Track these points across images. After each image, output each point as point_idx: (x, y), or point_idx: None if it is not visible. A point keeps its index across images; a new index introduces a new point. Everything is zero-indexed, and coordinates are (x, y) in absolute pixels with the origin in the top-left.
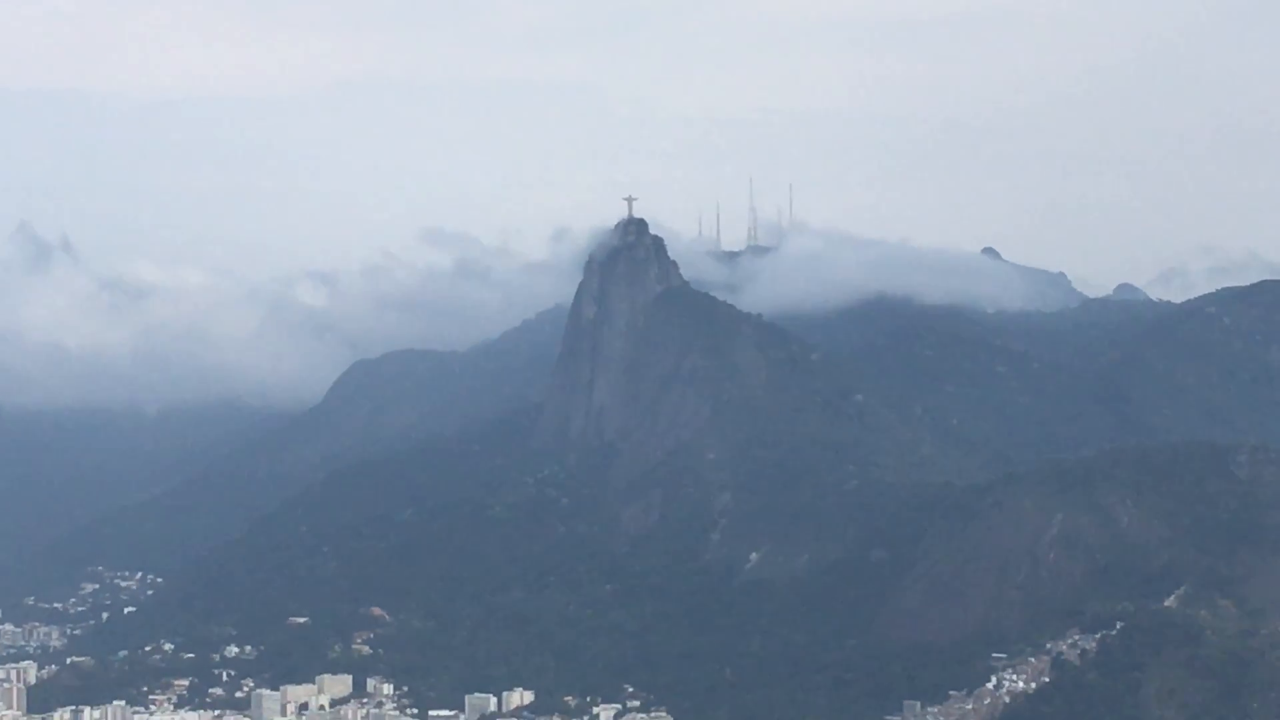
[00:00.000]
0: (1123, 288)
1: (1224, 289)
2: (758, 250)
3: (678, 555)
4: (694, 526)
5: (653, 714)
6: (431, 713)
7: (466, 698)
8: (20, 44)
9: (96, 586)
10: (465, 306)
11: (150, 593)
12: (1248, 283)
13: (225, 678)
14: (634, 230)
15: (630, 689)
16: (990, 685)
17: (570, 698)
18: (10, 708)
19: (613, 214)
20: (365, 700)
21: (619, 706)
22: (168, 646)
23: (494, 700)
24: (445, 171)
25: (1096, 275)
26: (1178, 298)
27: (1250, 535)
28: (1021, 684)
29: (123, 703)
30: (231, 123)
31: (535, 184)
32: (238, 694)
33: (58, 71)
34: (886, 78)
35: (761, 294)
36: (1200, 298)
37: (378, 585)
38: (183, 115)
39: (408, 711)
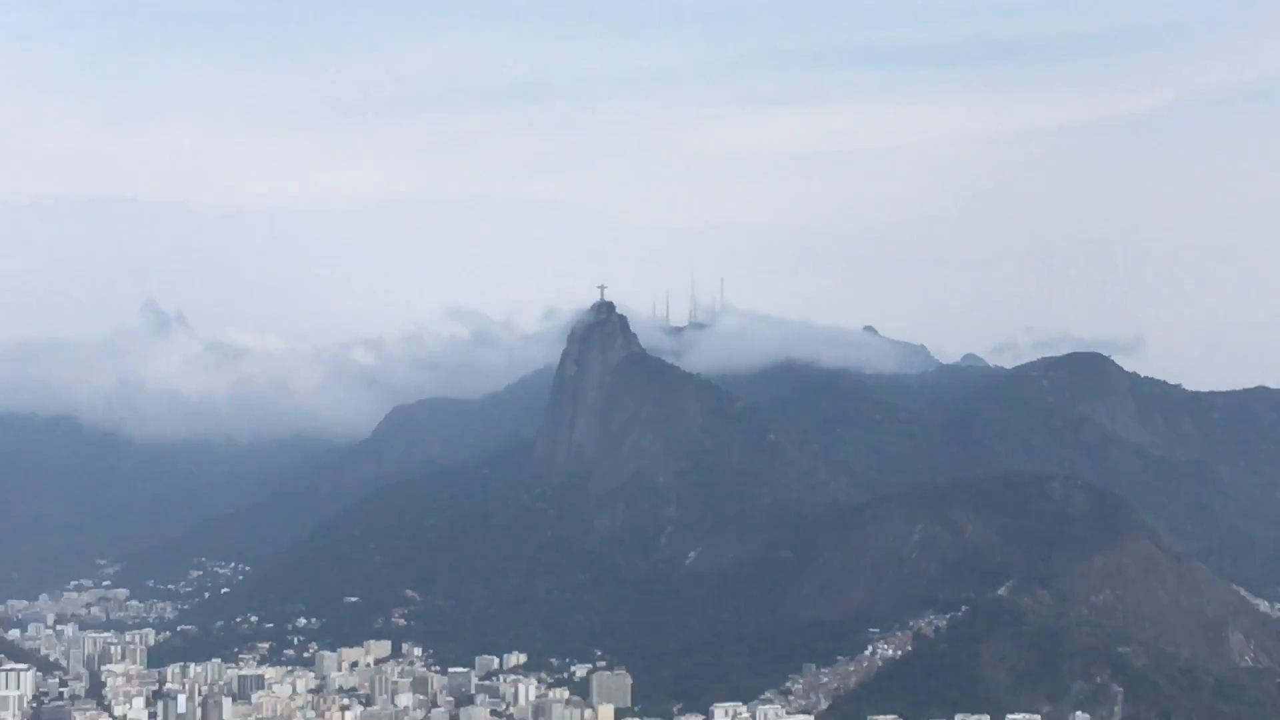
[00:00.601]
0: (968, 356)
1: (1043, 358)
2: (697, 326)
3: (635, 552)
4: (648, 531)
5: (615, 671)
6: (450, 669)
7: (476, 658)
8: (148, 165)
9: (200, 573)
10: (478, 366)
11: (240, 578)
12: (1061, 354)
13: (296, 642)
14: (604, 310)
15: (599, 653)
16: (867, 652)
17: (554, 659)
18: (135, 662)
19: (589, 298)
20: (400, 660)
21: (590, 665)
22: (253, 618)
23: (496, 660)
24: (464, 265)
25: (948, 347)
26: (1009, 364)
27: (1061, 542)
28: (891, 651)
29: (219, 660)
30: (303, 225)
31: (531, 275)
32: (305, 654)
33: (174, 186)
34: (794, 198)
35: (699, 359)
36: (1026, 365)
37: (411, 574)
38: (267, 220)
39: (432, 668)
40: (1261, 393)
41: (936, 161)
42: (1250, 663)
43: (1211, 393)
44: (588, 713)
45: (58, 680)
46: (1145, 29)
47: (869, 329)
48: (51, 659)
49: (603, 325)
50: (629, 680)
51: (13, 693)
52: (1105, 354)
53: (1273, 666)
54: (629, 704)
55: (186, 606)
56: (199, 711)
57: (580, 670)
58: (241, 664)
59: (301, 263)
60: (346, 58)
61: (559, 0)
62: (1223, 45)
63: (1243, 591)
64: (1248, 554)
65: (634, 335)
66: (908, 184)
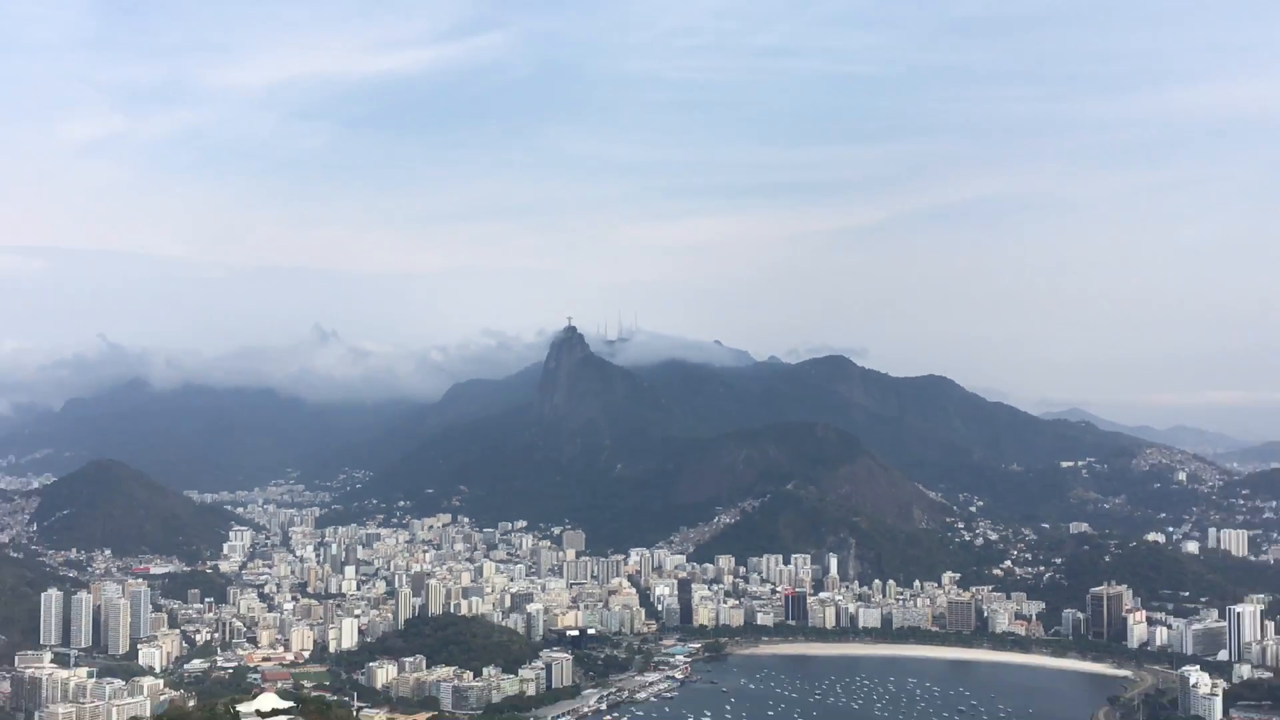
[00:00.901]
0: (772, 356)
1: (812, 358)
2: (623, 340)
3: (588, 467)
4: (597, 452)
5: (575, 530)
6: (484, 529)
7: (499, 523)
8: (312, 244)
9: (345, 476)
10: (501, 363)
11: (367, 479)
12: (822, 355)
13: (397, 515)
14: (571, 331)
15: (567, 520)
16: (715, 521)
17: (542, 524)
18: (308, 525)
19: (563, 324)
20: (456, 524)
21: (562, 526)
22: (373, 501)
23: (510, 524)
24: (493, 304)
25: (761, 351)
26: (794, 361)
27: (821, 461)
28: (728, 520)
29: (354, 524)
30: (408, 282)
31: (530, 311)
32: (403, 521)
33: (334, 260)
34: (675, 268)
35: (624, 359)
36: (804, 361)
37: (463, 478)
38: (391, 279)
39: (474, 529)
40: (936, 379)
41: (754, 247)
42: (925, 526)
43: (906, 378)
44: (560, 553)
45: (264, 535)
46: (879, 176)
47: (717, 341)
48: (260, 523)
49: (570, 339)
50: (583, 535)
51: (239, 542)
52: (846, 355)
53: (936, 529)
54: (584, 548)
55: (336, 495)
56: (344, 553)
57: (556, 529)
58: (367, 526)
59: (402, 303)
60: (431, 187)
61: (543, 152)
62: (925, 181)
63: (920, 486)
64: (924, 467)
65: (587, 345)
66: (738, 260)
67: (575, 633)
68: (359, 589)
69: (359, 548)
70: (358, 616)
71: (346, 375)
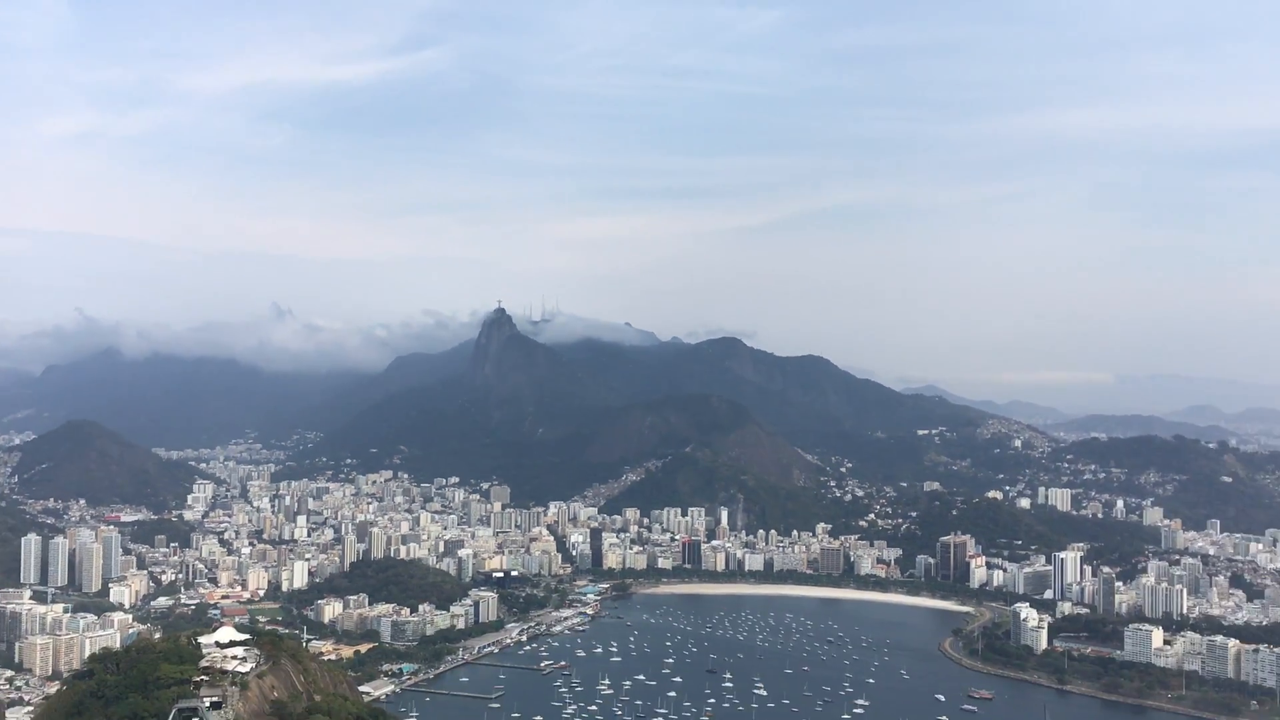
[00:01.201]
0: (675, 337)
1: (709, 339)
2: (545, 321)
3: (513, 431)
4: (521, 418)
5: (501, 485)
6: (421, 484)
7: (434, 479)
8: (276, 233)
9: (298, 436)
10: (439, 339)
11: (318, 439)
12: (718, 336)
13: (344, 471)
14: (501, 312)
15: (494, 477)
16: (622, 478)
17: (472, 479)
18: (264, 480)
19: (493, 305)
20: (397, 479)
21: (490, 482)
22: (323, 459)
23: (444, 480)
24: (434, 287)
25: (665, 332)
26: (694, 341)
27: (716, 426)
28: (634, 478)
29: (306, 480)
30: (356, 268)
31: (466, 294)
32: (349, 477)
33: (294, 247)
34: (592, 260)
35: (546, 337)
36: (702, 341)
37: (403, 439)
38: (342, 265)
39: (412, 484)
40: (814, 358)
41: (660, 242)
42: (802, 484)
43: (789, 357)
44: (488, 506)
45: (224, 488)
46: (768, 183)
47: (627, 323)
48: (221, 478)
49: (499, 320)
50: (508, 490)
51: (202, 494)
52: (738, 337)
53: (812, 487)
54: (509, 501)
55: (290, 454)
56: (296, 504)
57: (485, 485)
58: (317, 481)
59: (351, 285)
60: (378, 184)
61: (477, 156)
62: (807, 188)
63: (799, 450)
64: (803, 434)
65: (515, 325)
66: (646, 253)
67: (500, 575)
68: (309, 536)
69: (309, 500)
70: (308, 560)
71: (300, 348)
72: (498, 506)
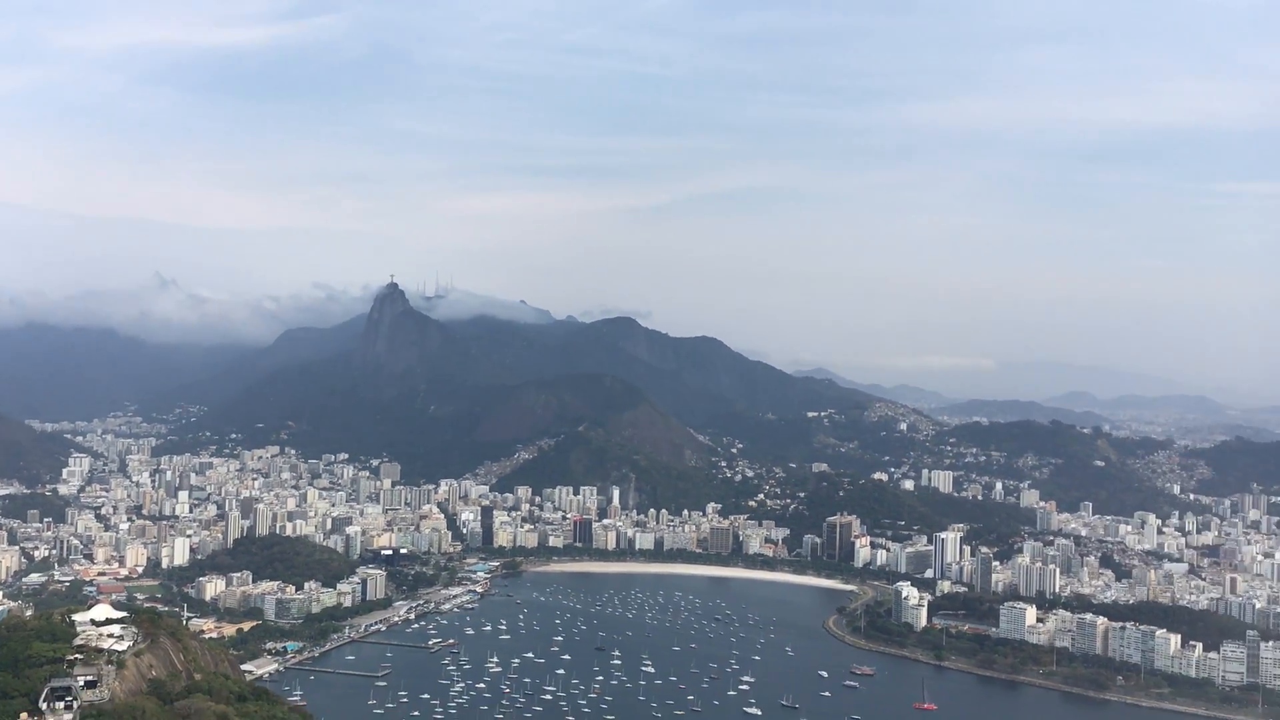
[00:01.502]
0: (569, 316)
1: (604, 319)
2: (439, 297)
3: (405, 407)
4: (413, 395)
5: (391, 462)
6: (309, 460)
7: (322, 455)
8: (166, 200)
9: (180, 410)
10: (329, 313)
11: (202, 413)
12: (613, 316)
13: (228, 446)
14: (393, 287)
15: (385, 454)
16: (514, 456)
17: (362, 456)
18: (144, 454)
19: (385, 280)
20: (284, 455)
21: (380, 459)
22: (207, 433)
23: (333, 456)
24: (324, 259)
25: (560, 310)
26: (588, 320)
27: (609, 405)
28: (527, 456)
29: (188, 454)
30: (246, 238)
31: (359, 267)
32: (234, 452)
33: (181, 215)
34: (489, 237)
35: (439, 313)
36: (597, 320)
37: (291, 414)
38: (230, 235)
39: (300, 460)
40: (708, 339)
41: (556, 221)
42: (694, 464)
43: (683, 338)
44: (377, 483)
45: (102, 462)
46: (665, 164)
47: (522, 301)
48: (99, 451)
49: (392, 295)
50: (399, 467)
51: (78, 468)
52: (633, 317)
53: (703, 467)
54: (399, 479)
55: (172, 428)
56: (178, 479)
57: (375, 462)
58: (200, 456)
59: (238, 256)
60: (267, 152)
61: (371, 128)
62: (705, 170)
63: (691, 431)
64: (695, 414)
65: (407, 300)
66: (543, 232)
67: (389, 552)
68: (191, 512)
69: (192, 475)
70: (189, 536)
71: (184, 320)
72: (388, 484)
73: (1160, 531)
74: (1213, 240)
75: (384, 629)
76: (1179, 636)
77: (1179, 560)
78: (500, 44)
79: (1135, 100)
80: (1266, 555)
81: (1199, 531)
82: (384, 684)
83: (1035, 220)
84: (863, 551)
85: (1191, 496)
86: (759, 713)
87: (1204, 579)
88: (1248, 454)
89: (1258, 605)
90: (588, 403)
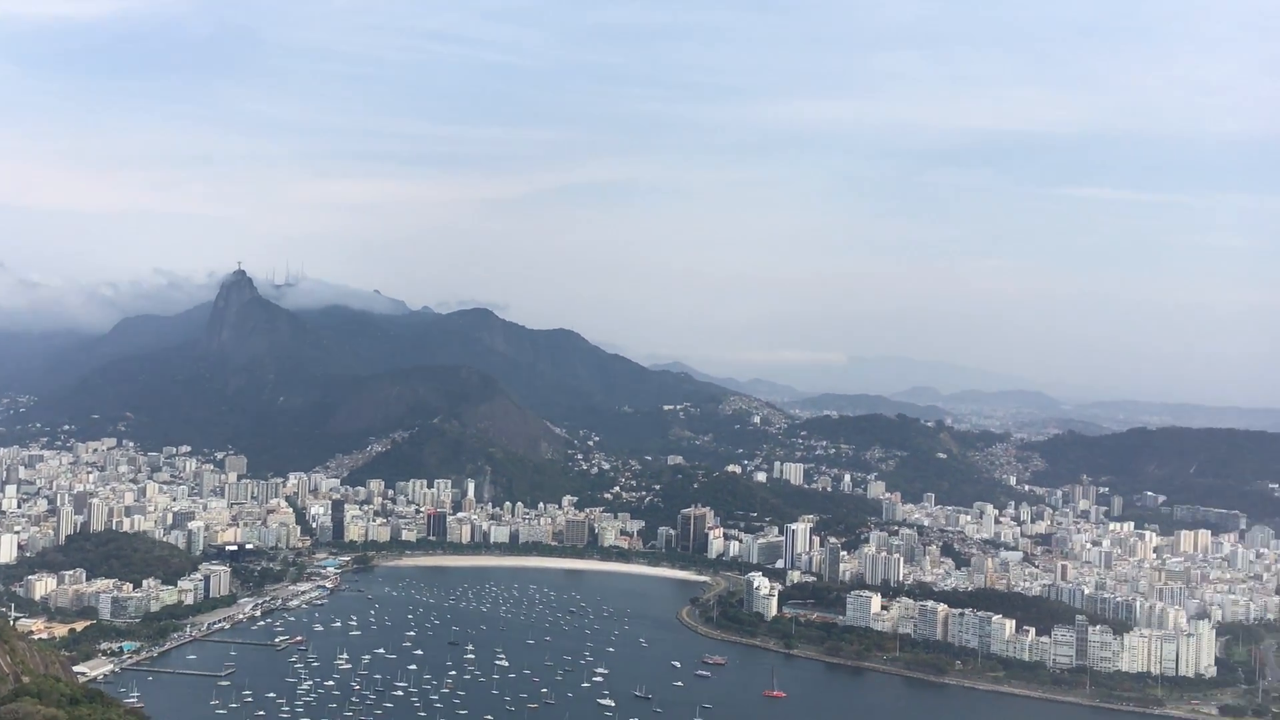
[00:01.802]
0: (425, 306)
1: (459, 310)
2: (289, 285)
3: (253, 399)
4: (259, 387)
5: (238, 455)
6: (149, 453)
7: (163, 447)
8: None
9: (8, 400)
10: (172, 300)
11: (33, 404)
12: (469, 307)
13: (61, 438)
14: (241, 274)
15: (230, 447)
16: (367, 449)
17: (205, 449)
18: None
19: (232, 267)
20: (122, 448)
21: (225, 452)
22: (37, 425)
23: (175, 449)
24: (166, 243)
25: (416, 301)
26: (445, 311)
27: (464, 397)
28: (380, 448)
29: (17, 446)
30: (86, 219)
31: (205, 253)
32: (68, 444)
33: (21, 196)
34: (335, 224)
35: (289, 302)
36: (453, 311)
37: (130, 405)
38: (63, 216)
39: (138, 452)
40: (565, 332)
41: (412, 209)
42: (550, 457)
43: (540, 330)
44: (222, 476)
45: None
46: (524, 155)
47: (376, 291)
48: None
49: (239, 282)
50: (245, 460)
51: None
52: (490, 308)
53: (559, 460)
54: (246, 472)
55: (1, 418)
56: (5, 472)
57: (220, 454)
58: (30, 448)
59: (74, 239)
60: (107, 131)
61: (218, 108)
62: (564, 162)
63: (548, 423)
64: (552, 407)
65: (255, 288)
66: (398, 220)
67: (234, 548)
68: (19, 507)
69: (20, 468)
70: (17, 533)
71: (13, 305)
72: (233, 477)
73: (997, 521)
74: (1048, 241)
75: (228, 627)
76: (1014, 622)
77: (1014, 549)
78: (357, 27)
79: (976, 105)
80: (1094, 543)
81: (1033, 521)
82: (227, 683)
83: (884, 219)
84: (716, 543)
85: (1026, 487)
86: (612, 704)
87: (1037, 566)
88: (1078, 446)
89: (1086, 591)
90: (443, 395)
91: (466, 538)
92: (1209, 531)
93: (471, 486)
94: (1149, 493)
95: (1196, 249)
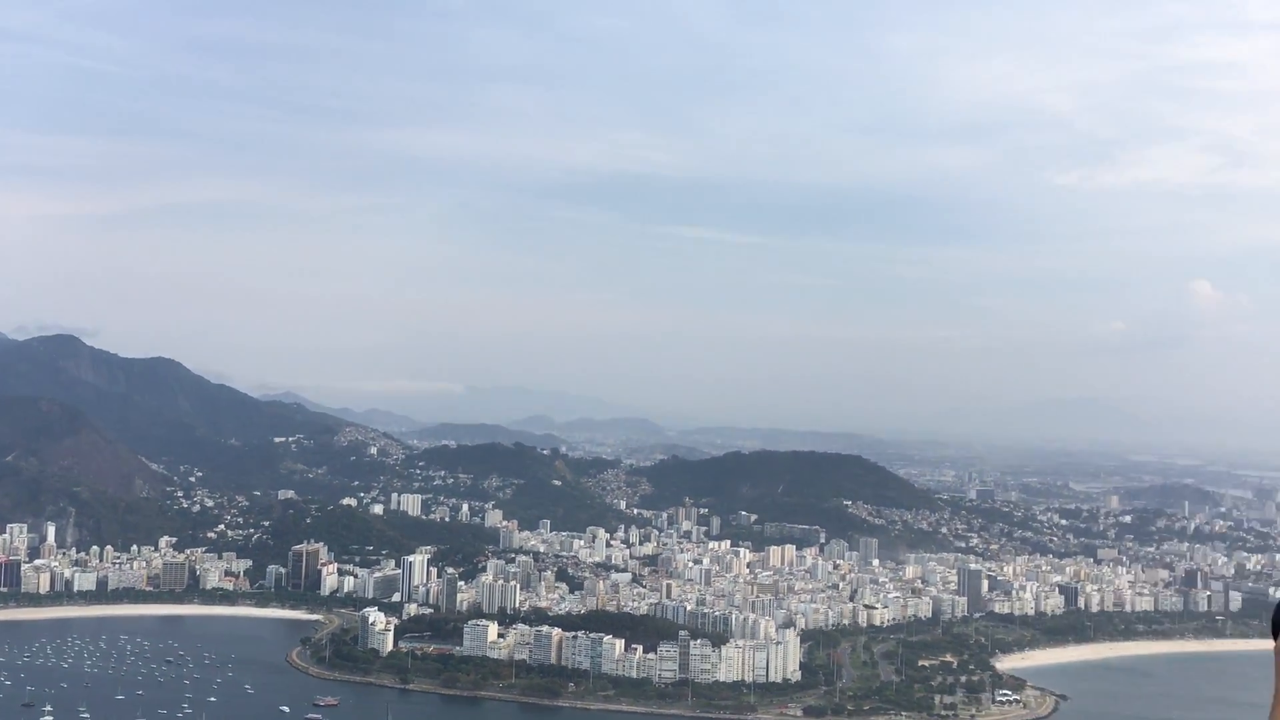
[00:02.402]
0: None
1: (40, 336)
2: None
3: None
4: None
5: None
6: None
7: None
8: None
9: None
10: None
11: None
12: (51, 334)
13: None
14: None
15: None
16: None
17: None
18: None
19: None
20: None
21: None
22: None
23: None
24: None
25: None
26: (21, 338)
27: (48, 432)
28: None
29: None
30: None
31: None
32: None
33: None
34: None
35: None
36: (34, 339)
37: None
38: None
39: None
40: (164, 360)
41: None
42: (146, 495)
43: (135, 358)
44: None
45: None
46: (117, 169)
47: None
48: None
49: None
50: None
51: None
52: (76, 335)
53: (157, 498)
54: None
55: None
56: None
57: None
58: None
59: None
60: None
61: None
62: (163, 179)
63: (144, 459)
64: (149, 441)
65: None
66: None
67: None
68: None
69: None
70: None
71: None
72: None
73: (609, 544)
74: (657, 277)
75: None
76: (623, 641)
77: (624, 570)
78: None
79: (587, 146)
80: (696, 561)
81: (641, 543)
82: None
83: (500, 250)
84: (330, 579)
85: (635, 511)
86: None
87: (645, 586)
88: (682, 470)
89: (689, 607)
90: (19, 429)
91: (45, 587)
92: (794, 546)
93: (52, 530)
94: (743, 512)
95: (785, 287)
